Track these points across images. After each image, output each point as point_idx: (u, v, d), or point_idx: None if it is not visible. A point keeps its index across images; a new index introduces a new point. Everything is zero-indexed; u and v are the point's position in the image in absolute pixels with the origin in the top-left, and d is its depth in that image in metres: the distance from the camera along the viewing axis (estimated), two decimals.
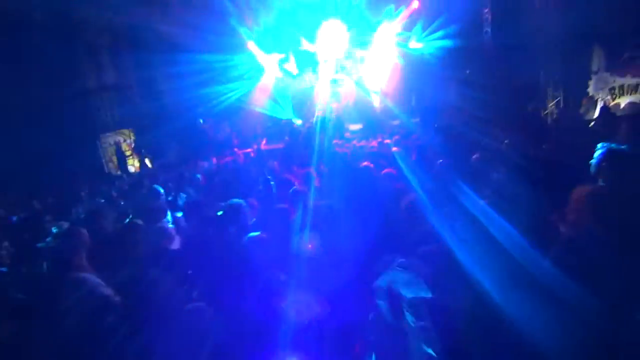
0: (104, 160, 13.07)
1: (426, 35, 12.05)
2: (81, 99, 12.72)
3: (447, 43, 11.17)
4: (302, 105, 14.50)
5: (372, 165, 4.37)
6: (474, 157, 4.02)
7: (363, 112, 12.78)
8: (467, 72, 10.85)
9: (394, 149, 6.46)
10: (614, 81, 8.15)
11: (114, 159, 12.71)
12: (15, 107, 11.84)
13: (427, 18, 11.91)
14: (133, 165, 12.68)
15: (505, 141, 5.15)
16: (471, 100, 9.69)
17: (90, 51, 12.61)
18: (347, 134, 11.87)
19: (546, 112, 9.29)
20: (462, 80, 10.76)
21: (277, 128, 13.96)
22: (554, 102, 9.12)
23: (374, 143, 7.67)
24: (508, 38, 9.46)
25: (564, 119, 8.26)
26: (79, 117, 12.61)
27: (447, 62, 11.60)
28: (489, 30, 10.18)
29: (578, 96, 8.61)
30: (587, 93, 8.52)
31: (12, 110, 11.55)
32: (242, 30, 13.17)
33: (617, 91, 8.13)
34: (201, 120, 13.34)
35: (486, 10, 10.22)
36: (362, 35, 13.28)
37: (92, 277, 2.45)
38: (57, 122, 11.69)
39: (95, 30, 12.56)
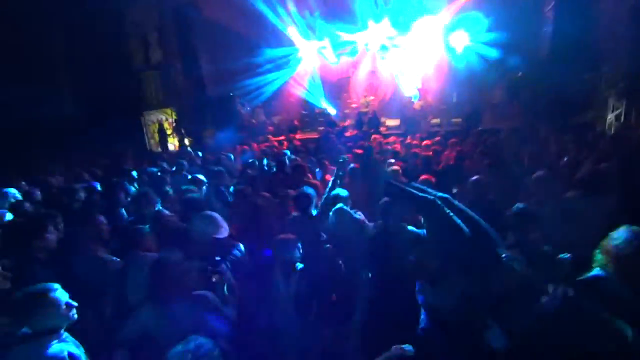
0: (146, 137, 13.68)
1: (476, 31, 11.38)
2: (127, 76, 13.28)
3: (499, 41, 10.50)
4: (337, 95, 14.34)
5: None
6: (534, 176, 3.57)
7: (401, 107, 12.41)
8: (520, 74, 10.19)
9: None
10: None
11: (156, 136, 13.26)
12: (63, 82, 12.58)
13: (480, 12, 11.21)
14: (173, 143, 13.17)
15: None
16: (521, 105, 9.14)
17: (137, 30, 13.03)
18: (384, 129, 11.64)
19: (605, 125, 8.62)
20: (513, 82, 10.14)
21: (311, 117, 13.97)
22: (614, 114, 8.42)
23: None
24: (569, 40, 8.74)
25: (624, 133, 7.63)
26: (125, 93, 13.21)
27: (497, 61, 10.93)
28: (549, 30, 9.43)
29: None
30: None
31: (60, 84, 12.28)
32: (284, 15, 13.09)
33: None
34: (231, 94, 13.48)
35: (548, 9, 9.45)
36: (405, 26, 12.79)
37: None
38: (103, 97, 12.31)
39: (143, 9, 12.93)
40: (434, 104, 12.35)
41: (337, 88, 14.44)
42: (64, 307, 1.75)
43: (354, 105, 13.66)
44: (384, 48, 13.35)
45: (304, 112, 14.10)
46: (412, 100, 12.19)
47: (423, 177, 3.90)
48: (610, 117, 8.57)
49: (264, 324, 2.29)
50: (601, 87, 8.80)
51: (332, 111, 13.71)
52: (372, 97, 13.32)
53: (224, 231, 2.78)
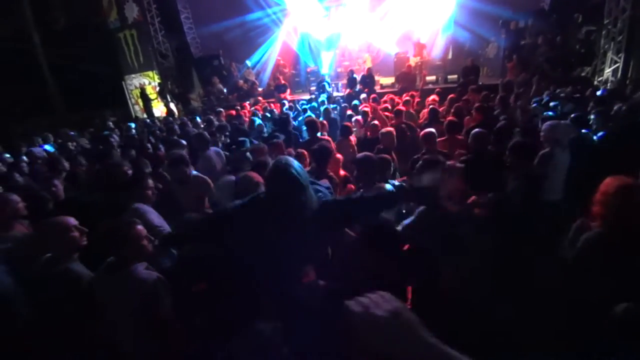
0: (130, 104, 13.02)
1: None
2: (102, 37, 12.33)
3: None
4: (327, 53, 13.71)
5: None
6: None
7: (397, 64, 12.00)
8: (521, 23, 9.84)
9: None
10: None
11: (140, 102, 12.62)
12: (36, 44, 11.61)
13: None
14: (159, 109, 12.58)
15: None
16: (519, 59, 8.94)
17: None
18: (378, 87, 11.32)
19: (600, 78, 8.58)
20: (512, 34, 9.81)
21: (302, 76, 13.44)
22: (612, 68, 8.36)
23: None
24: None
25: (620, 88, 7.62)
26: (101, 56, 12.34)
27: (497, 13, 10.51)
28: None
29: None
30: None
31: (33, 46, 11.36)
32: None
33: None
34: (219, 52, 12.74)
35: None
36: None
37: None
38: (78, 61, 11.51)
39: None
40: (429, 60, 11.98)
41: (328, 45, 13.75)
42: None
43: (346, 63, 13.14)
44: None
45: (293, 71, 13.53)
46: (409, 57, 11.74)
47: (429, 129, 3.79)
48: (608, 71, 8.52)
49: None
50: (600, 41, 8.63)
51: (324, 70, 13.18)
52: (366, 55, 12.80)
53: None
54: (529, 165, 2.82)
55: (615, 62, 8.41)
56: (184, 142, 4.59)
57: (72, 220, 2.07)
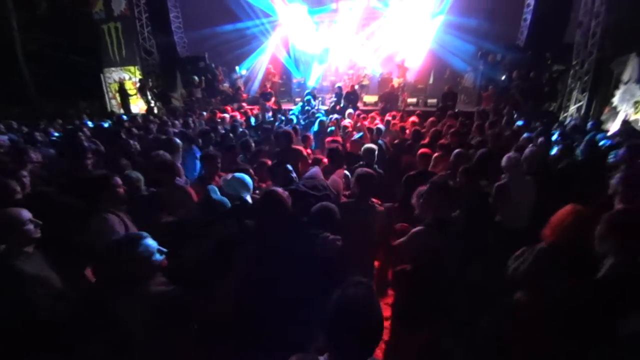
0: (106, 97, 12.61)
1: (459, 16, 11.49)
2: (85, 27, 11.98)
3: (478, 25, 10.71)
4: (319, 66, 13.94)
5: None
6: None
7: (381, 84, 12.37)
8: (498, 57, 10.48)
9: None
10: None
11: (117, 96, 12.24)
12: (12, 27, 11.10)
13: None
14: (137, 105, 12.25)
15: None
16: (495, 90, 9.47)
17: None
18: (361, 104, 11.59)
19: (565, 114, 9.20)
20: (490, 66, 10.43)
21: (288, 86, 13.58)
22: (576, 106, 9.01)
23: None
24: (546, 31, 9.07)
25: (582, 124, 8.22)
26: (83, 46, 11.96)
27: (474, 45, 11.17)
28: (529, 18, 9.68)
29: (603, 104, 8.51)
30: (612, 103, 8.41)
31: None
32: None
33: None
34: (205, 54, 12.67)
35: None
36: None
37: None
38: (57, 49, 11.09)
39: None
40: (411, 83, 12.44)
41: (320, 58, 13.99)
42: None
43: (332, 78, 13.40)
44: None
45: (280, 80, 13.63)
46: (393, 78, 12.14)
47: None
48: (573, 108, 9.17)
49: None
50: (568, 79, 9.31)
51: (310, 83, 13.37)
52: (351, 71, 13.11)
53: None
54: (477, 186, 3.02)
55: (580, 101, 9.07)
56: (178, 141, 4.17)
57: (27, 213, 1.96)
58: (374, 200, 2.81)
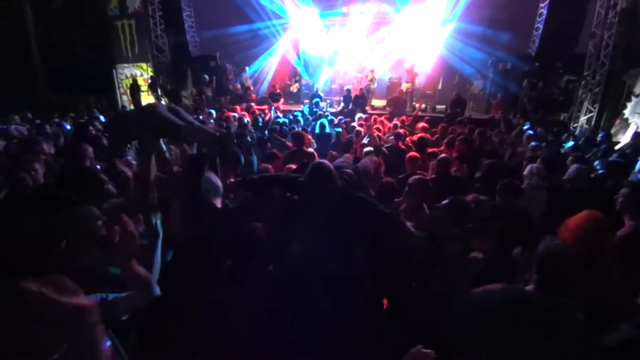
0: (118, 93, 12.76)
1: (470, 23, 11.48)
2: (100, 23, 12.15)
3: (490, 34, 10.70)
4: (329, 69, 13.97)
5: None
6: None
7: (390, 88, 12.39)
8: (508, 66, 10.45)
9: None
10: None
11: (128, 92, 12.38)
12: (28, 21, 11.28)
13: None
14: (147, 101, 12.35)
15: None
16: (503, 98, 9.44)
17: None
18: (369, 108, 11.60)
19: (575, 125, 9.14)
20: (500, 75, 10.39)
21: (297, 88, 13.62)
22: (586, 117, 8.94)
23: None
24: (558, 40, 9.03)
25: (593, 136, 8.16)
26: (96, 42, 12.12)
27: (486, 54, 11.14)
28: (541, 28, 9.65)
29: (614, 116, 8.44)
30: (623, 114, 8.34)
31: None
32: None
33: None
34: (216, 54, 12.75)
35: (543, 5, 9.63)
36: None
37: None
38: (72, 44, 11.24)
39: None
40: (419, 88, 12.42)
41: (330, 61, 14.03)
42: None
43: (341, 81, 13.43)
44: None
45: (288, 82, 13.69)
46: (402, 83, 12.14)
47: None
48: (583, 119, 9.10)
49: None
50: (579, 90, 9.25)
51: (319, 85, 13.42)
52: (360, 75, 13.14)
53: None
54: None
55: (590, 112, 9.01)
56: None
57: None
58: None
